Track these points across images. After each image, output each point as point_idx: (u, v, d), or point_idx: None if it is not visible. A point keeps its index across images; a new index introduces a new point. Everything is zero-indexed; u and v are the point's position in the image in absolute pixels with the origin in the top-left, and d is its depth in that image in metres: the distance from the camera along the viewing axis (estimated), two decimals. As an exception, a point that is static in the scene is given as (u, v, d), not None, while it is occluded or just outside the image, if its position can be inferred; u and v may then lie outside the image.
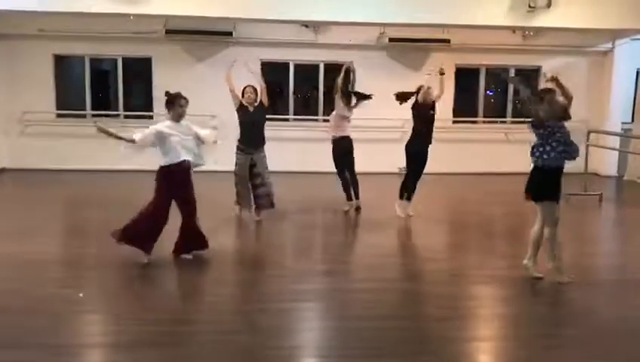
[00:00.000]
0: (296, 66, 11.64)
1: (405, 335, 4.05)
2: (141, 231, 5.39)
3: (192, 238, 5.59)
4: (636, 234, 7.52)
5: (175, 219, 5.55)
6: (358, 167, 10.41)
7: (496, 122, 12.21)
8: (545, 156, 5.18)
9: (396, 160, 11.62)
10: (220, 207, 8.33)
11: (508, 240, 7.26)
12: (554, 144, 5.18)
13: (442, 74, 7.26)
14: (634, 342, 4.03)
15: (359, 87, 11.55)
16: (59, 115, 11.29)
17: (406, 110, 11.48)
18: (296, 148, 11.25)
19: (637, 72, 11.58)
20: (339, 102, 7.92)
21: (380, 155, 11.60)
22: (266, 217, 7.28)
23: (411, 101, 7.56)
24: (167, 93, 5.76)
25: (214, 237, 6.54)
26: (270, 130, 11.39)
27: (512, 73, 11.99)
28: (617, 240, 7.53)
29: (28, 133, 11.16)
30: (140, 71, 11.66)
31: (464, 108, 12.17)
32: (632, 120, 11.58)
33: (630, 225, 8.19)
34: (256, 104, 7.19)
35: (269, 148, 11.38)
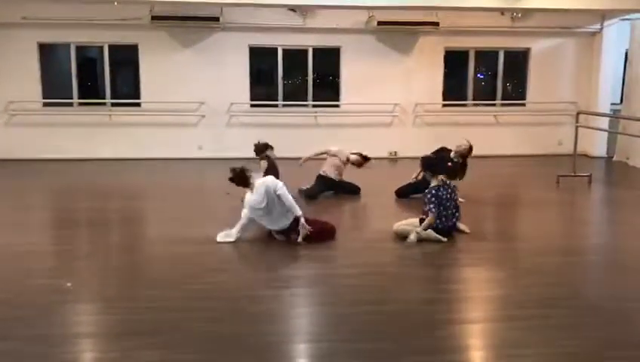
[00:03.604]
0: (285, 51, 11.55)
1: (395, 319, 4.06)
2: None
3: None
4: (624, 214, 7.56)
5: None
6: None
7: (486, 105, 12.19)
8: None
9: (387, 144, 11.68)
10: (208, 195, 8.32)
11: (496, 222, 7.28)
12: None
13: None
14: (622, 321, 4.05)
15: (347, 72, 11.57)
16: (45, 104, 11.16)
17: (397, 94, 11.54)
18: (285, 134, 11.21)
19: (625, 53, 11.56)
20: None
21: (371, 140, 11.58)
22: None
23: None
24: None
25: (205, 227, 6.53)
26: (259, 115, 11.42)
27: (501, 56, 11.96)
28: (606, 221, 7.57)
29: (14, 122, 11.04)
30: (126, 58, 11.54)
31: (453, 91, 12.14)
32: (621, 101, 11.60)
33: (619, 206, 8.24)
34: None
35: (258, 135, 11.41)
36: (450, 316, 4.19)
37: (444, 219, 5.91)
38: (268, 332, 3.85)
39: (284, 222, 5.74)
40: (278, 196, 5.60)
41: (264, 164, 7.57)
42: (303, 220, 5.65)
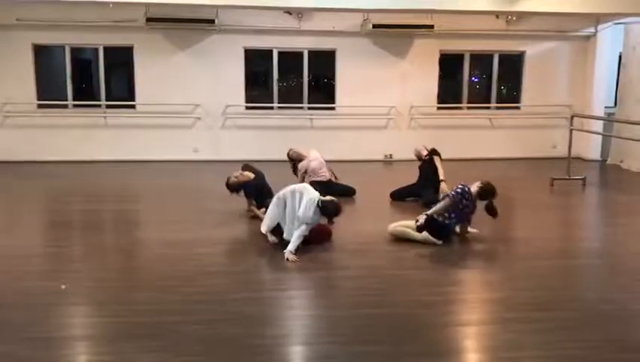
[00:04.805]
0: (280, 54, 11.54)
1: (391, 322, 4.06)
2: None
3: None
4: (619, 217, 7.59)
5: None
6: (345, 154, 10.46)
7: (481, 108, 12.22)
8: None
9: (382, 147, 11.69)
10: (204, 198, 8.30)
11: (492, 225, 7.28)
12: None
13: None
14: (618, 324, 4.06)
15: (343, 75, 11.58)
16: (40, 106, 11.12)
17: (392, 97, 11.56)
18: (280, 137, 11.20)
19: (619, 56, 11.62)
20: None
21: (366, 142, 11.61)
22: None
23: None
24: None
25: (201, 230, 6.53)
26: (254, 118, 11.42)
27: (495, 59, 11.99)
28: (600, 224, 7.60)
29: (8, 124, 10.99)
30: (121, 60, 11.51)
31: (449, 94, 12.17)
32: (615, 104, 11.66)
33: (613, 209, 8.27)
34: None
35: (253, 137, 11.42)
36: (447, 318, 4.19)
37: (453, 219, 5.91)
38: (265, 335, 3.84)
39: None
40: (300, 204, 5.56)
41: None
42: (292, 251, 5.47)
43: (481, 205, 6.01)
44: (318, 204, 5.55)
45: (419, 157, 8.20)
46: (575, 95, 12.03)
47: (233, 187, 6.94)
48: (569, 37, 11.89)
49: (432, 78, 11.81)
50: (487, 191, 5.94)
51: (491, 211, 5.93)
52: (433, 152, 8.02)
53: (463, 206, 5.87)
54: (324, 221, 5.83)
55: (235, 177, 6.94)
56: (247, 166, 7.32)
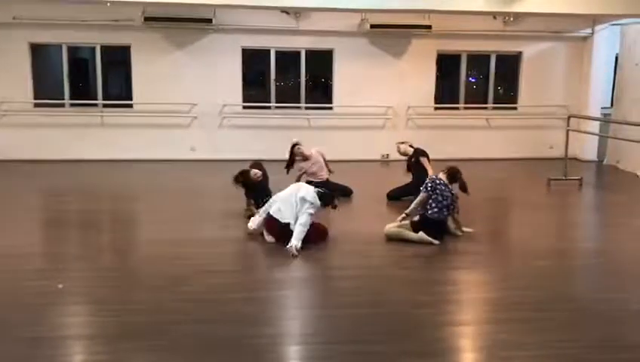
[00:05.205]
0: (278, 53, 11.54)
1: (388, 322, 4.06)
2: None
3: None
4: (615, 217, 7.61)
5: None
6: (342, 154, 10.44)
7: (478, 108, 12.24)
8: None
9: (379, 147, 11.69)
10: (201, 197, 8.30)
11: (488, 225, 7.30)
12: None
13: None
14: (612, 324, 4.08)
15: (340, 75, 11.58)
16: (36, 105, 11.09)
17: (389, 97, 11.57)
18: (277, 137, 11.19)
19: (616, 57, 11.65)
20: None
21: (364, 142, 11.61)
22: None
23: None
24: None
25: (197, 229, 6.52)
26: (251, 117, 11.42)
27: (492, 59, 12.02)
28: (596, 224, 7.62)
29: (4, 123, 10.94)
30: (118, 59, 11.49)
31: (446, 94, 12.18)
32: (611, 105, 11.68)
33: (609, 209, 8.30)
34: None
35: (250, 136, 11.40)
36: (443, 318, 4.21)
37: (435, 208, 5.93)
38: (261, 334, 3.84)
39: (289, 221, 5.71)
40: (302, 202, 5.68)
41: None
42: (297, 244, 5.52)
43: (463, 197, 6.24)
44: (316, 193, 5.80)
45: (405, 154, 8.22)
46: (572, 96, 12.05)
47: (246, 182, 6.85)
48: (566, 38, 11.92)
49: (429, 79, 11.82)
50: (454, 173, 6.24)
51: (464, 188, 6.23)
52: (419, 153, 8.01)
53: (440, 191, 5.97)
54: (324, 219, 5.87)
55: (258, 176, 6.89)
56: (256, 164, 7.24)
